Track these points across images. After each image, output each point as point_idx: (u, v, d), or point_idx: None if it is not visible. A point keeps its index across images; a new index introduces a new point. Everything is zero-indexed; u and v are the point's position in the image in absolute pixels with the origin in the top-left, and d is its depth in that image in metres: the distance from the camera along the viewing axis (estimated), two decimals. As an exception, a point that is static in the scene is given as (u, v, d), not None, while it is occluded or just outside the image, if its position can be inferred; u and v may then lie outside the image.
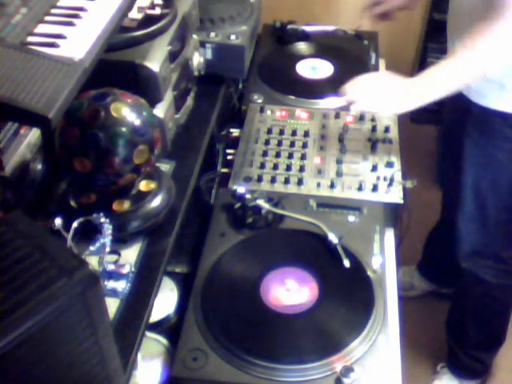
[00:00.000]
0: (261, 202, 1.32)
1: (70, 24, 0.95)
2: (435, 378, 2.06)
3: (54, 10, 0.98)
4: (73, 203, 1.16)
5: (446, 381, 2.05)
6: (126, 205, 1.16)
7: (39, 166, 1.16)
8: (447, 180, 1.94)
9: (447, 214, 2.05)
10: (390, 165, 1.50)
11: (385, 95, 1.43)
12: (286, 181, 1.45)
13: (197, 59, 1.52)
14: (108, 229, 1.07)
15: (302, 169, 1.48)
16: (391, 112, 1.51)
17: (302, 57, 1.89)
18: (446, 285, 2.22)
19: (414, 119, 3.06)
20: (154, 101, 1.27)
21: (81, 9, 0.98)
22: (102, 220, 1.07)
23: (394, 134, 1.60)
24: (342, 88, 1.47)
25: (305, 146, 1.55)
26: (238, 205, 1.34)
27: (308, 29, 1.98)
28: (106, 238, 1.07)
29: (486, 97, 1.54)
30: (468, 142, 1.63)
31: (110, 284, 1.07)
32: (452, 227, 1.81)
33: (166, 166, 1.34)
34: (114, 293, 1.06)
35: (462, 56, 1.35)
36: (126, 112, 1.08)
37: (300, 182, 1.45)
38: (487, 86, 1.50)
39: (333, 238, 1.27)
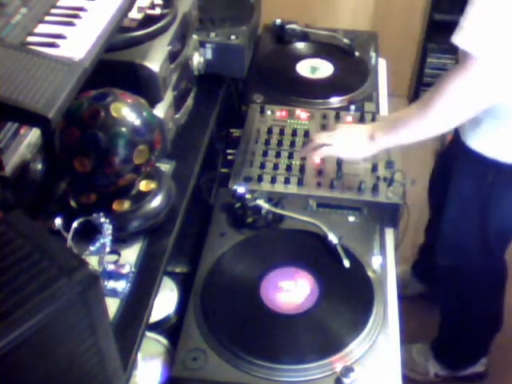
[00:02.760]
0: (261, 202, 1.32)
1: (70, 24, 0.95)
2: (412, 348, 2.05)
3: (53, 10, 0.98)
4: (73, 203, 1.16)
5: (424, 348, 2.04)
6: (126, 205, 1.16)
7: (39, 166, 1.16)
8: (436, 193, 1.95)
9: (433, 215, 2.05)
10: (389, 165, 1.50)
11: (352, 144, 1.40)
12: (286, 181, 1.45)
13: (197, 59, 1.52)
14: (108, 229, 1.07)
15: (302, 169, 1.48)
16: (357, 157, 1.44)
17: (302, 57, 1.89)
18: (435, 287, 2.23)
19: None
20: (154, 101, 1.27)
21: (81, 9, 0.98)
22: (102, 220, 1.07)
23: (394, 134, 1.60)
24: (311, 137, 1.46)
25: (305, 146, 1.55)
26: (238, 205, 1.34)
27: (308, 29, 1.98)
28: (106, 238, 1.07)
29: (464, 132, 1.52)
30: (453, 176, 1.64)
31: (110, 284, 1.06)
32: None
33: (166, 166, 1.34)
34: (114, 293, 1.06)
35: (418, 110, 1.30)
36: (126, 112, 1.08)
37: (300, 182, 1.45)
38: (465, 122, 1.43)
39: (333, 238, 1.27)
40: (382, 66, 1.95)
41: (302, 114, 1.66)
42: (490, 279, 1.82)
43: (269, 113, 1.66)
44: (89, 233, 1.08)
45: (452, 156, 1.65)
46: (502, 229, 1.65)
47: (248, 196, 1.33)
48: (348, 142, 1.41)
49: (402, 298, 1.31)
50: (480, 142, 1.49)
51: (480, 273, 1.78)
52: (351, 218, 1.36)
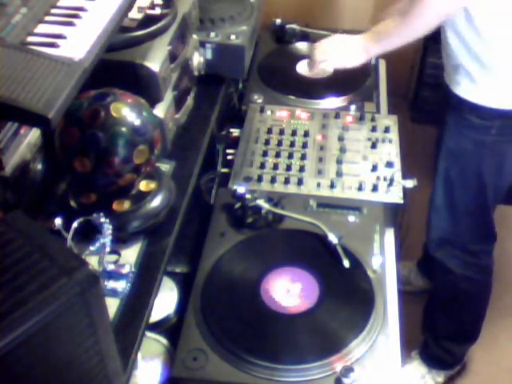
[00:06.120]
0: (261, 202, 1.32)
1: (70, 24, 0.95)
2: (407, 363, 2.06)
3: (54, 10, 0.98)
4: (73, 203, 1.16)
5: (415, 366, 2.05)
6: (126, 205, 1.16)
7: (39, 166, 1.16)
8: None
9: None
10: (389, 165, 1.50)
11: (347, 51, 1.62)
12: (286, 181, 1.45)
13: (197, 59, 1.52)
14: (108, 229, 1.07)
15: (301, 169, 1.48)
16: (354, 63, 1.63)
17: (302, 57, 1.89)
18: None
19: (414, 119, 3.06)
20: (154, 101, 1.27)
21: (81, 9, 0.98)
22: (102, 220, 1.07)
23: (393, 134, 1.60)
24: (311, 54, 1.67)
25: (305, 145, 1.55)
26: (238, 205, 1.34)
27: (308, 29, 1.98)
28: (106, 238, 1.07)
29: (459, 85, 1.56)
30: (444, 131, 1.66)
31: (110, 284, 1.06)
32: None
33: (165, 166, 1.34)
34: (113, 293, 1.06)
35: (404, 17, 1.57)
36: (126, 112, 1.08)
37: (300, 182, 1.45)
38: (461, 75, 1.54)
39: (333, 238, 1.27)
40: (382, 65, 1.94)
41: (302, 114, 1.66)
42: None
43: (269, 113, 1.66)
44: (89, 233, 1.08)
45: (445, 120, 1.68)
46: (497, 184, 1.70)
47: (248, 196, 1.33)
48: (343, 54, 1.63)
49: (404, 294, 1.32)
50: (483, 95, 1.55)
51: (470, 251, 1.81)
52: (351, 218, 1.36)
